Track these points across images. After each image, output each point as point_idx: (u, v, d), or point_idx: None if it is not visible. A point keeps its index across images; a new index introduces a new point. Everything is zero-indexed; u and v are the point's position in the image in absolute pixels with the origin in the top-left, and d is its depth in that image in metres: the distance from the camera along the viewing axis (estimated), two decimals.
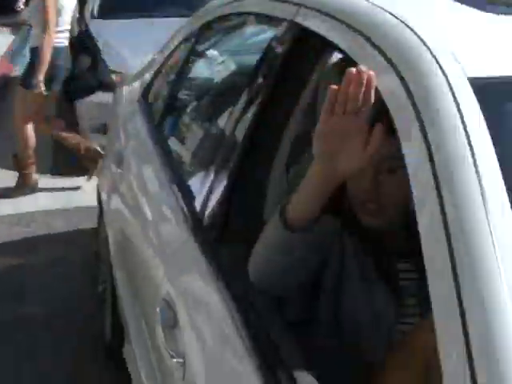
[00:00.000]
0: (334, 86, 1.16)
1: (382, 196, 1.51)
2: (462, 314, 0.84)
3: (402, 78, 1.10)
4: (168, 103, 2.55)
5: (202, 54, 2.78)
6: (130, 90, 3.15)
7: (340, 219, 1.56)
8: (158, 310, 1.61)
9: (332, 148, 1.22)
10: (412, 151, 1.04)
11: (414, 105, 1.05)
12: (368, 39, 1.25)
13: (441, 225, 0.92)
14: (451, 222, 0.91)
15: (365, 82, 1.13)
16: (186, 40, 2.60)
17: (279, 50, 1.65)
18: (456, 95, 1.02)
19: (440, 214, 0.93)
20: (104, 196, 2.84)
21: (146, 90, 2.86)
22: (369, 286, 1.53)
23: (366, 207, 1.53)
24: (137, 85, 3.06)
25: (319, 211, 1.32)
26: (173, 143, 2.39)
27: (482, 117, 1.00)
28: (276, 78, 1.60)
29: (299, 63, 1.59)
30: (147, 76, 2.94)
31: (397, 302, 1.55)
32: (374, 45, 1.24)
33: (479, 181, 0.92)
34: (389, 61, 1.16)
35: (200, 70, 2.87)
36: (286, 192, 1.69)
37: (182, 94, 2.69)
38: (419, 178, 1.01)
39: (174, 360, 1.45)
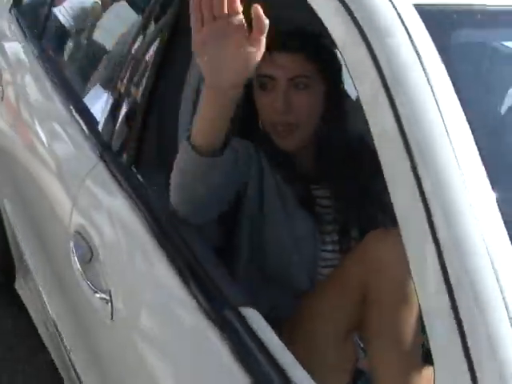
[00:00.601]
0: None
1: (293, 115, 1.50)
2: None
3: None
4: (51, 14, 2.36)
5: None
6: None
7: (255, 144, 1.54)
8: (71, 244, 1.53)
9: (213, 59, 1.11)
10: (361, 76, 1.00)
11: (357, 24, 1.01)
12: None
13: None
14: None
15: None
16: None
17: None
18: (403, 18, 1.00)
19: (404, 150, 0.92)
20: None
21: None
22: (289, 212, 1.54)
23: (278, 129, 1.52)
24: None
25: (224, 133, 1.24)
26: (64, 60, 2.23)
27: (429, 38, 0.99)
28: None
29: None
30: None
31: (316, 228, 1.57)
32: None
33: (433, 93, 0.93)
34: None
35: None
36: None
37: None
38: (376, 110, 0.98)
39: (98, 295, 1.39)
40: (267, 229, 1.52)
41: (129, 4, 2.36)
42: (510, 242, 0.86)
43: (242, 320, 1.12)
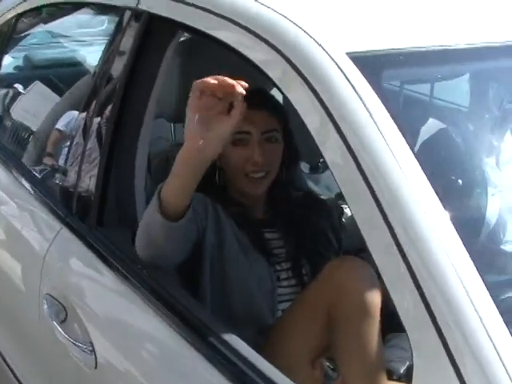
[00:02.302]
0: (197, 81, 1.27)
1: (266, 164, 1.69)
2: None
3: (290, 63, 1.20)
4: None
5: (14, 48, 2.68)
6: None
7: (211, 195, 1.69)
8: (45, 306, 1.60)
9: (202, 128, 1.31)
10: (314, 121, 1.15)
11: (306, 82, 1.17)
12: (245, 28, 1.34)
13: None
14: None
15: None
16: None
17: (126, 38, 1.68)
18: (340, 67, 1.17)
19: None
20: None
21: None
22: (246, 254, 1.68)
23: (251, 178, 1.68)
24: None
25: (192, 192, 1.40)
26: (6, 139, 2.32)
27: (364, 80, 1.16)
28: (130, 67, 1.62)
29: (149, 48, 1.64)
30: None
31: (273, 267, 1.72)
32: (243, 27, 1.33)
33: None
34: (265, 41, 1.26)
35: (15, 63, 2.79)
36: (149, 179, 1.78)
37: (8, 91, 2.60)
38: (327, 144, 1.13)
39: (82, 349, 1.47)
40: (228, 270, 1.64)
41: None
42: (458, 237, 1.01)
43: (231, 349, 1.23)
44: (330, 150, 1.13)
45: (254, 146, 1.68)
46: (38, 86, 2.60)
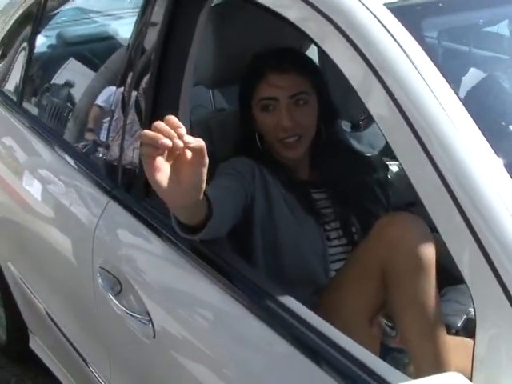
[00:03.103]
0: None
1: (297, 128, 1.65)
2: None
3: (328, 19, 1.18)
4: (28, 82, 2.47)
5: (46, 28, 2.69)
6: None
7: (256, 158, 1.68)
8: (99, 280, 1.62)
9: (170, 186, 1.10)
10: (356, 75, 1.13)
11: (346, 37, 1.14)
12: None
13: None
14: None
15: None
16: (26, 15, 2.51)
17: (158, 8, 1.66)
18: (379, 18, 1.14)
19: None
20: None
21: None
22: (296, 215, 1.67)
23: (286, 143, 1.67)
24: None
25: (205, 201, 1.26)
26: (47, 118, 2.34)
27: (404, 30, 1.13)
28: (164, 37, 1.60)
29: (181, 15, 1.61)
30: None
31: (322, 227, 1.71)
32: None
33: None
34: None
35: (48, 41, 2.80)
36: None
37: (37, 70, 2.61)
38: (371, 97, 1.11)
39: (139, 320, 1.49)
40: (279, 232, 1.64)
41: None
42: None
43: (286, 309, 1.23)
44: (375, 103, 1.11)
45: (281, 111, 1.66)
46: (72, 64, 2.60)
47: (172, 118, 1.07)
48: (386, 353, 1.60)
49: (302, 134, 1.69)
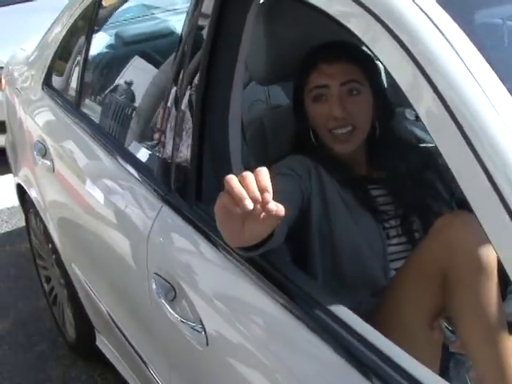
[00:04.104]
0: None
1: (349, 118, 1.59)
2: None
3: (373, 14, 1.11)
4: (82, 83, 2.48)
5: (101, 28, 2.70)
6: (23, 80, 3.04)
7: (310, 156, 1.63)
8: (153, 286, 1.61)
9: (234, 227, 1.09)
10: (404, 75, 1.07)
11: (388, 28, 1.08)
12: None
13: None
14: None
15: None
16: (83, 16, 2.52)
17: (207, 3, 1.63)
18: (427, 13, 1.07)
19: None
20: (34, 193, 2.74)
21: (48, 75, 2.77)
22: (353, 215, 1.62)
23: (338, 135, 1.61)
24: (31, 73, 2.95)
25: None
26: (104, 120, 2.35)
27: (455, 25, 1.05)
28: (212, 35, 1.57)
29: (228, 18, 1.58)
30: (42, 61, 2.83)
31: (381, 225, 1.65)
32: None
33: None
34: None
35: (106, 41, 2.81)
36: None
37: (95, 72, 2.63)
38: (419, 98, 1.04)
39: (193, 327, 1.47)
40: (337, 234, 1.59)
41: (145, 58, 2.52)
42: None
43: (338, 320, 1.19)
44: (423, 104, 1.04)
45: (333, 100, 1.61)
46: (135, 63, 2.60)
47: (263, 174, 1.01)
48: (448, 356, 1.55)
49: (355, 125, 1.63)
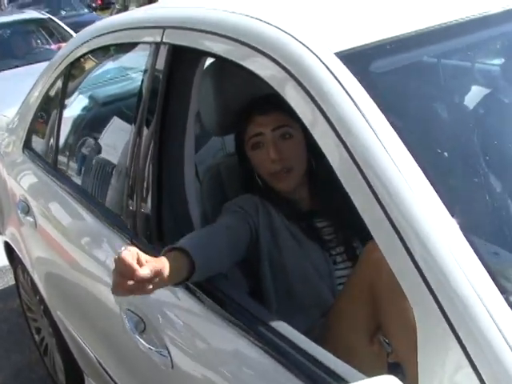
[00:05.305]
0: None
1: (285, 160, 1.80)
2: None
3: (282, 66, 1.33)
4: (59, 144, 2.69)
5: (76, 90, 2.92)
6: (5, 145, 3.24)
7: (258, 196, 1.84)
8: (126, 320, 1.79)
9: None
10: (308, 117, 1.28)
11: (298, 82, 1.29)
12: (239, 41, 1.48)
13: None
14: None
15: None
16: (56, 81, 2.74)
17: (158, 69, 1.84)
18: (328, 66, 1.28)
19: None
20: (20, 249, 2.93)
21: (28, 139, 2.98)
22: (301, 243, 1.81)
23: (277, 176, 1.82)
24: (12, 138, 3.16)
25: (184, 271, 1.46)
26: (78, 178, 2.55)
27: (352, 77, 1.27)
28: (165, 94, 1.79)
29: (178, 77, 1.79)
30: (22, 126, 3.04)
31: (328, 252, 1.84)
32: (246, 44, 1.46)
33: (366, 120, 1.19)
34: (265, 54, 1.39)
35: (82, 103, 3.03)
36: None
37: (72, 133, 2.84)
38: (319, 133, 1.25)
39: (160, 353, 1.65)
40: (287, 262, 1.79)
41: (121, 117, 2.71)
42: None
43: (290, 342, 1.35)
44: (325, 143, 1.25)
45: (268, 145, 1.83)
46: (114, 123, 2.78)
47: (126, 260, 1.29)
48: (395, 368, 1.70)
49: (292, 166, 1.84)
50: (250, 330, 1.43)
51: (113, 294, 1.33)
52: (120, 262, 1.28)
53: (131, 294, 1.32)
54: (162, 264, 1.36)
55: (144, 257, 1.33)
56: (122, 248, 1.31)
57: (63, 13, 13.69)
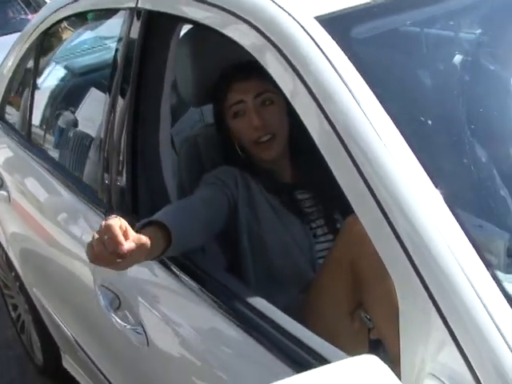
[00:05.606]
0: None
1: (268, 127, 1.75)
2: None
3: (260, 32, 1.27)
4: (33, 117, 2.62)
5: (50, 60, 2.84)
6: None
7: (238, 167, 1.78)
8: (100, 297, 1.74)
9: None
10: (288, 86, 1.22)
11: (277, 49, 1.23)
12: (218, 7, 1.41)
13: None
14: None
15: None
16: (29, 51, 2.66)
17: (133, 37, 1.77)
18: (308, 31, 1.22)
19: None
20: None
21: (1, 110, 2.90)
22: (281, 216, 1.76)
23: (260, 143, 1.76)
24: None
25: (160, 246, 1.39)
26: (54, 151, 2.48)
27: (332, 42, 1.21)
28: (140, 62, 1.72)
29: (154, 45, 1.72)
30: None
31: (308, 225, 1.79)
32: (225, 10, 1.40)
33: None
34: (245, 20, 1.33)
35: (57, 73, 2.94)
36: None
37: (45, 103, 2.76)
38: (299, 102, 1.20)
39: (135, 331, 1.60)
40: (266, 236, 1.74)
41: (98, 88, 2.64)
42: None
43: (268, 319, 1.31)
44: (305, 113, 1.19)
45: (250, 112, 1.76)
46: (91, 94, 2.70)
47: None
48: (376, 344, 1.67)
49: (275, 132, 1.78)
50: (228, 308, 1.39)
51: (90, 262, 1.25)
52: (106, 230, 1.21)
53: (107, 267, 1.26)
54: (146, 242, 1.29)
55: (131, 232, 1.26)
56: (112, 216, 1.24)
57: None
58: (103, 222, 1.23)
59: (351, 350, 1.54)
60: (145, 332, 1.59)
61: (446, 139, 1.27)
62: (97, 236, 1.23)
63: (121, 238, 1.21)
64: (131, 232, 1.26)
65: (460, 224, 1.02)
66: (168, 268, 1.55)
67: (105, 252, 1.21)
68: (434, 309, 0.98)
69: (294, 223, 1.79)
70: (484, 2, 1.45)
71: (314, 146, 1.88)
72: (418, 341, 1.01)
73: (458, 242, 1.00)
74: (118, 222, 1.23)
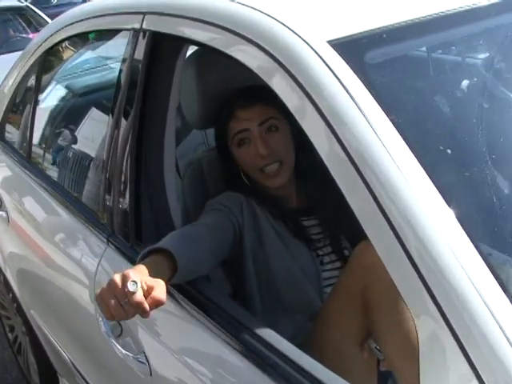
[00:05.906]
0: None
1: (274, 154, 1.71)
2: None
3: (270, 55, 1.24)
4: (34, 136, 2.58)
5: (52, 80, 2.81)
6: None
7: (244, 192, 1.74)
8: (102, 323, 1.69)
9: None
10: (299, 109, 1.19)
11: (288, 72, 1.20)
12: (226, 29, 1.38)
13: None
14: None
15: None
16: (30, 70, 2.63)
17: (137, 59, 1.74)
18: (321, 55, 1.19)
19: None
20: None
21: (1, 130, 2.87)
22: (287, 243, 1.72)
23: (266, 171, 1.72)
24: None
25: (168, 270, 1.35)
26: (53, 171, 2.44)
27: (346, 67, 1.18)
28: (145, 84, 1.69)
29: (158, 67, 1.70)
30: None
31: (315, 252, 1.75)
32: (231, 31, 1.37)
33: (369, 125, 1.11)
34: (253, 43, 1.29)
35: (58, 93, 2.92)
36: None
37: (47, 124, 2.72)
38: (310, 126, 1.17)
39: (137, 360, 1.55)
40: (272, 263, 1.70)
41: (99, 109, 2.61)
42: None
43: (274, 350, 1.26)
44: (320, 143, 1.16)
45: (255, 141, 1.72)
46: (92, 115, 2.67)
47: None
48: (386, 376, 1.62)
49: (281, 160, 1.74)
50: (233, 336, 1.35)
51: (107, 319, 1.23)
52: (128, 297, 1.18)
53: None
54: (163, 289, 1.25)
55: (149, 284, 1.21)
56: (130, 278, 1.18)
57: (54, 1, 12.86)
58: (117, 280, 1.18)
59: (360, 382, 1.52)
60: (147, 361, 1.54)
61: (462, 163, 1.24)
62: (113, 297, 1.18)
63: (146, 306, 1.19)
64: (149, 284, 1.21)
65: (478, 251, 1.00)
66: (172, 295, 1.51)
67: (124, 315, 1.19)
68: (456, 345, 0.94)
69: (300, 250, 1.75)
70: (500, 26, 1.43)
71: (319, 170, 1.88)
72: (438, 376, 0.97)
73: (480, 275, 0.97)
74: (140, 291, 1.19)
